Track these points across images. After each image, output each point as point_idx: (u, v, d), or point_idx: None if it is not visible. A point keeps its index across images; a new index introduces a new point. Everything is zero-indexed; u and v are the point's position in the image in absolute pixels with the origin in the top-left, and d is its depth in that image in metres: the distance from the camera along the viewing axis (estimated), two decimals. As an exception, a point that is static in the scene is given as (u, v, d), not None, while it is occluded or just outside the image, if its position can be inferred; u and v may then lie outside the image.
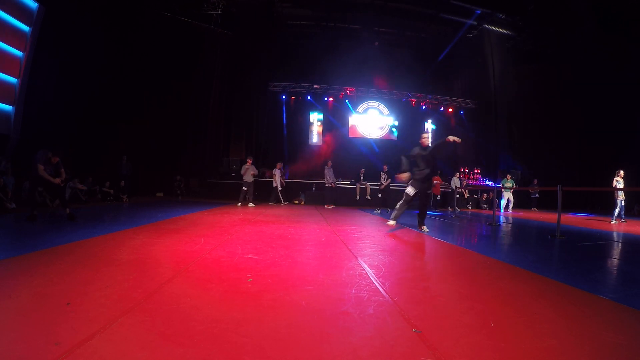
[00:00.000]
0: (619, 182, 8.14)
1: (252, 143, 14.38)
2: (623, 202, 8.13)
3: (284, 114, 14.94)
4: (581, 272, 3.00)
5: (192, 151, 13.70)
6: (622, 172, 8.12)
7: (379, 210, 9.55)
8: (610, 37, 11.72)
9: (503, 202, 11.50)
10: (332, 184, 11.33)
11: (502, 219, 8.57)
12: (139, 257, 2.84)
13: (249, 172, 9.82)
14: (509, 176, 11.63)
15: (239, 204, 9.70)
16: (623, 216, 8.27)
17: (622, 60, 11.75)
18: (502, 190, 11.29)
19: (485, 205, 12.59)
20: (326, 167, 11.48)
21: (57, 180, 5.23)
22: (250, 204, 9.66)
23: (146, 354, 1.29)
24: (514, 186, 11.64)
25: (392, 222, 5.06)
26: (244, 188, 9.83)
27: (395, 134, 16.16)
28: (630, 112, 12.07)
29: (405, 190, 5.12)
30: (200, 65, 13.28)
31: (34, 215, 4.98)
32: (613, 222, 7.96)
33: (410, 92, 15.79)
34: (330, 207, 10.61)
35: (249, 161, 9.93)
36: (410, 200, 5.09)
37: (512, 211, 11.35)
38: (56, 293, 1.90)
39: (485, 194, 12.82)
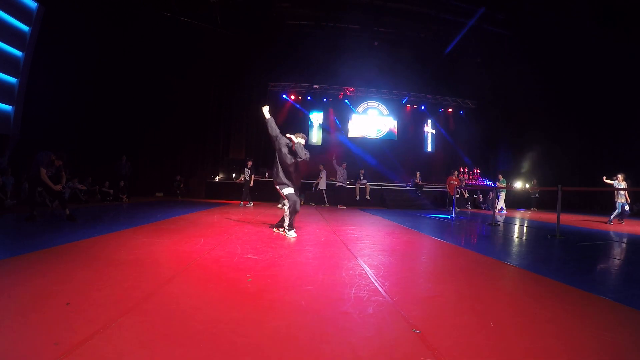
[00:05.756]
0: (619, 185, 8.04)
1: (251, 143, 14.38)
2: (627, 207, 7.95)
3: (284, 114, 14.94)
4: (580, 272, 3.01)
5: (192, 151, 13.70)
6: (620, 176, 8.04)
7: (244, 204, 9.56)
8: (611, 36, 11.73)
9: (499, 201, 11.44)
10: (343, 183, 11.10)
11: (499, 219, 8.55)
12: (138, 257, 2.84)
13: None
14: (500, 176, 11.65)
15: (279, 205, 9.38)
16: (625, 216, 8.12)
17: (622, 59, 11.76)
18: (498, 190, 11.26)
19: (485, 205, 12.59)
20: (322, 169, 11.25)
21: (58, 187, 5.19)
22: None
23: (146, 354, 1.29)
24: (506, 186, 11.63)
25: None
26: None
27: (395, 133, 16.16)
28: (631, 112, 12.08)
29: None
30: (199, 65, 13.27)
31: (33, 215, 4.96)
32: (610, 223, 7.89)
33: (410, 92, 15.79)
34: (326, 206, 10.54)
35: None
36: None
37: (503, 211, 11.28)
38: (56, 293, 1.90)
39: (484, 194, 12.82)
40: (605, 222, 7.93)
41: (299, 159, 4.40)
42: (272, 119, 4.62)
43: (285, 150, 4.43)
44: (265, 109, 4.67)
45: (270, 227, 4.98)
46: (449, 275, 2.75)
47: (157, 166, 13.11)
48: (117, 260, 2.70)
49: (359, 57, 13.88)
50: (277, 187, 4.53)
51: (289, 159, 4.41)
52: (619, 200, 7.95)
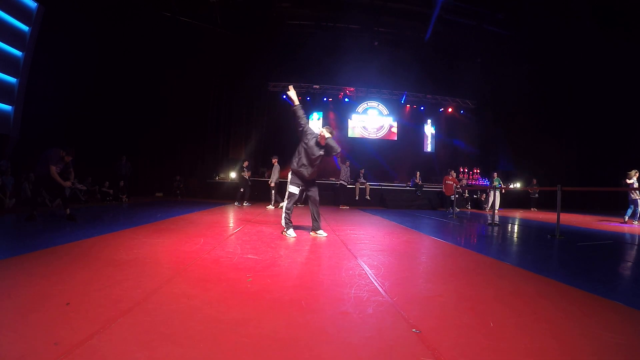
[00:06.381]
0: (633, 182, 7.91)
1: (251, 143, 14.38)
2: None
3: (284, 114, 14.94)
4: (581, 272, 3.01)
5: (192, 151, 13.69)
6: (635, 172, 7.87)
7: (241, 204, 9.76)
8: (611, 36, 11.73)
9: (491, 201, 11.41)
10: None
11: (497, 218, 8.53)
12: (138, 257, 2.84)
13: (276, 173, 9.60)
14: (495, 175, 11.64)
15: (271, 207, 9.40)
16: (629, 216, 8.03)
17: (622, 59, 11.76)
18: (492, 189, 11.24)
19: (486, 205, 12.59)
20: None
21: (68, 183, 5.19)
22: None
23: (146, 354, 1.29)
24: (500, 185, 11.61)
25: None
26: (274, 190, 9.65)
27: (395, 133, 16.16)
28: (631, 111, 12.09)
29: None
30: (200, 65, 13.28)
31: (33, 215, 4.96)
32: (627, 219, 7.75)
33: (410, 92, 15.79)
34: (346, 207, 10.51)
35: (274, 161, 9.67)
36: None
37: (498, 211, 11.22)
38: (56, 293, 1.90)
39: (484, 194, 12.82)
40: (622, 222, 7.80)
41: (334, 154, 4.28)
42: (300, 106, 4.31)
43: (312, 142, 4.24)
44: (293, 93, 4.31)
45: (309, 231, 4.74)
46: (449, 275, 2.75)
47: (157, 166, 13.10)
48: (116, 260, 2.70)
49: (359, 57, 13.88)
50: (288, 180, 4.42)
51: (317, 152, 4.23)
52: (636, 197, 7.76)
